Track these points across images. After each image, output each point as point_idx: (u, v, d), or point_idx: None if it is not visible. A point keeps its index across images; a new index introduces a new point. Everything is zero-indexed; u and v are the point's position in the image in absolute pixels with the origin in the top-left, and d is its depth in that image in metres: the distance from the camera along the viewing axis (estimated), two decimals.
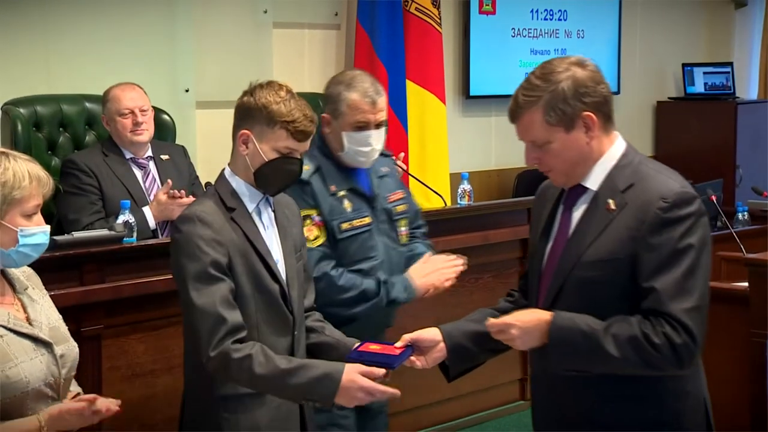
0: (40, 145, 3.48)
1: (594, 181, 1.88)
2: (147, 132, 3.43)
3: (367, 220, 2.65)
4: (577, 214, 1.90)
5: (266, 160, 2.16)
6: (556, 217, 1.95)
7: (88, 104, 3.80)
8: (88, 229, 3.15)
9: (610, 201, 1.84)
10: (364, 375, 1.99)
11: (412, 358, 2.04)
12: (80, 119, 3.76)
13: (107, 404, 2.08)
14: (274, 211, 2.22)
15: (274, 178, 2.19)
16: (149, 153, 3.46)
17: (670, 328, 1.75)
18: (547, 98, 1.85)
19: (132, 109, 3.37)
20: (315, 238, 2.62)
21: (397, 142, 4.65)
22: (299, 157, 2.19)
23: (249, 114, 2.16)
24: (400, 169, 3.05)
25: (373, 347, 2.08)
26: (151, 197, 3.47)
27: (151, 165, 3.58)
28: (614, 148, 1.94)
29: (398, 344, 2.06)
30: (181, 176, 3.57)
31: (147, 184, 3.54)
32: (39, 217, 2.07)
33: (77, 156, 3.50)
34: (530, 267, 2.02)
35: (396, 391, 2.02)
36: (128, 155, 3.48)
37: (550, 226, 1.96)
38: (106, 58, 4.19)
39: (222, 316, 2.09)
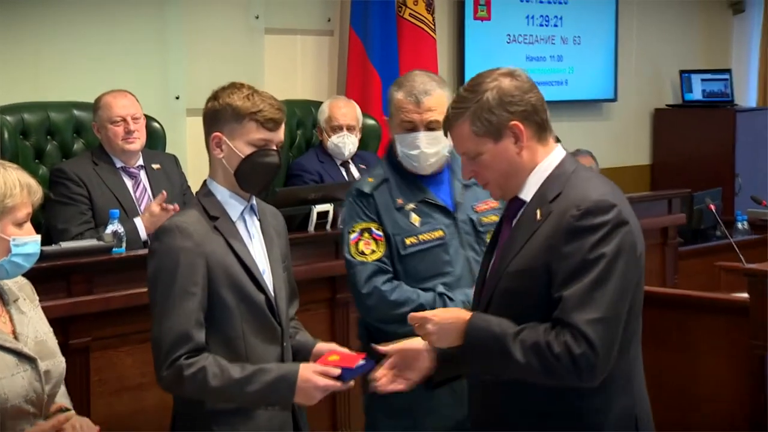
0: (27, 154, 3.50)
1: (528, 192, 1.92)
2: (139, 140, 3.45)
3: (439, 233, 2.59)
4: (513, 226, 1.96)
5: (242, 156, 2.18)
6: (501, 231, 2.00)
7: (76, 112, 3.82)
8: (77, 239, 3.16)
9: (538, 211, 1.88)
10: (320, 374, 2.05)
11: (379, 374, 2.04)
12: (68, 127, 3.80)
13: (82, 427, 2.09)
14: (260, 221, 2.24)
15: (255, 174, 2.21)
16: (140, 162, 3.48)
17: (571, 337, 1.77)
18: (473, 109, 1.90)
19: (124, 116, 3.39)
20: (371, 252, 2.61)
21: None
22: (276, 148, 2.22)
23: (215, 117, 2.21)
24: None
25: (333, 358, 2.13)
26: (142, 207, 3.48)
27: (142, 174, 3.58)
28: (550, 158, 1.97)
29: (384, 352, 2.05)
30: (173, 186, 3.58)
31: (138, 193, 3.54)
32: (30, 227, 2.08)
33: (66, 165, 3.51)
34: (476, 281, 2.07)
35: (350, 384, 2.08)
36: (119, 164, 3.49)
37: (495, 240, 2.01)
38: (96, 64, 4.21)
39: (187, 335, 2.13)
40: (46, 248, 2.76)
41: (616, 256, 1.83)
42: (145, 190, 3.59)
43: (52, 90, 4.07)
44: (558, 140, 2.06)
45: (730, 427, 2.94)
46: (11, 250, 2.05)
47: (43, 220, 3.43)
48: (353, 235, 2.56)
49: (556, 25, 5.81)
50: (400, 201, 2.51)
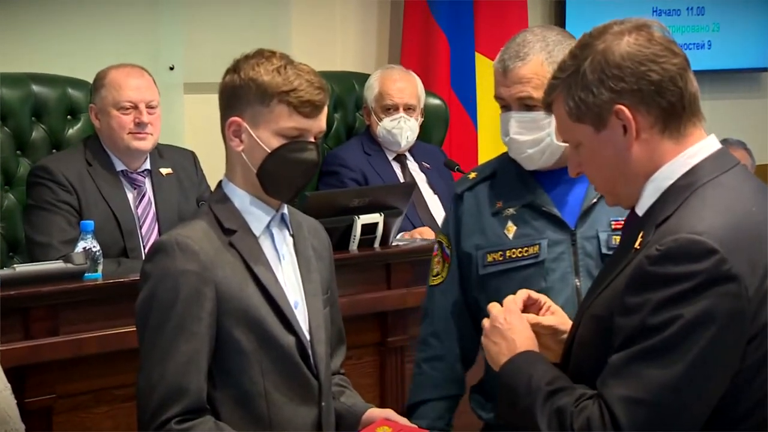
0: None
1: (643, 205, 1.95)
2: (151, 137, 3.58)
3: (534, 250, 2.63)
4: None
5: (268, 150, 2.20)
6: None
7: (35, 86, 4.00)
8: (61, 259, 3.24)
9: (639, 237, 1.91)
10: None
11: None
12: (24, 106, 4.00)
13: None
14: (293, 236, 2.26)
15: (285, 175, 2.23)
16: (146, 165, 3.58)
17: (598, 414, 1.84)
18: (568, 82, 1.94)
19: (136, 102, 3.50)
20: (436, 275, 2.73)
21: (461, 134, 4.78)
22: (314, 140, 2.22)
23: (234, 95, 2.24)
24: None
25: (383, 431, 2.17)
26: (145, 228, 3.56)
27: (147, 183, 3.70)
28: (681, 158, 1.96)
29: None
30: (187, 199, 3.67)
31: (140, 209, 3.67)
32: None
33: (52, 162, 3.65)
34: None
35: None
36: (119, 166, 3.61)
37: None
38: (65, 25, 4.40)
39: (182, 388, 2.17)
40: None
41: (697, 325, 1.82)
42: (150, 204, 3.70)
43: (6, 59, 4.23)
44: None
45: None
46: None
47: (24, 233, 3.69)
48: (435, 246, 2.70)
49: None
50: (499, 204, 2.54)
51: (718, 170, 1.94)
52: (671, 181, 1.93)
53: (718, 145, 1.99)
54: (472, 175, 2.62)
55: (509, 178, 2.59)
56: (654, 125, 1.92)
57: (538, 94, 2.55)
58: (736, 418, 1.94)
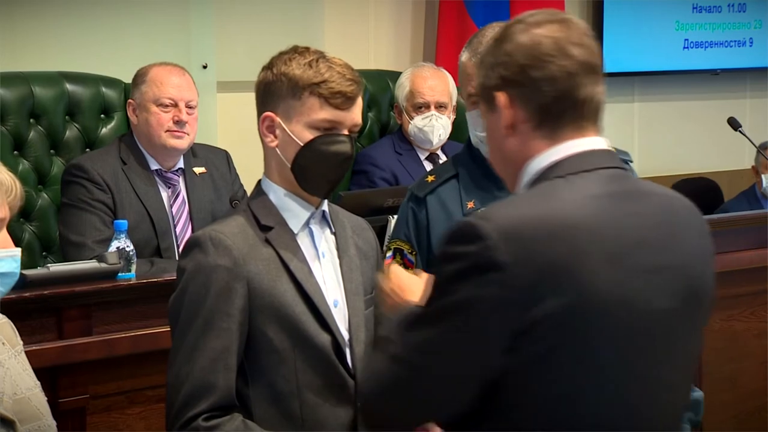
0: (2, 143, 3.79)
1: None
2: (188, 137, 3.64)
3: None
4: None
5: (301, 144, 2.24)
6: None
7: (74, 87, 4.15)
8: (95, 259, 3.31)
9: None
10: None
11: None
12: (58, 105, 4.11)
13: None
14: (334, 234, 2.29)
15: (318, 168, 2.25)
16: (180, 164, 3.64)
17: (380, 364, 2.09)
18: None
19: (176, 100, 3.58)
20: None
21: None
22: (348, 132, 2.25)
23: (268, 91, 2.28)
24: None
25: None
26: (179, 227, 3.60)
27: (181, 182, 3.78)
28: (549, 154, 2.01)
29: None
30: (220, 198, 3.71)
31: (175, 208, 3.73)
32: (5, 237, 2.19)
33: (88, 161, 3.71)
34: None
35: None
36: (153, 165, 3.69)
37: None
38: (97, 24, 4.47)
39: (211, 385, 2.20)
40: (29, 272, 2.89)
41: (457, 303, 1.92)
42: (184, 203, 3.77)
43: (33, 59, 4.32)
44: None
45: None
46: None
47: (58, 232, 3.75)
48: (388, 254, 2.70)
49: None
50: (471, 204, 2.57)
51: (573, 170, 2.00)
52: (534, 176, 2.01)
53: (592, 147, 2.03)
54: (431, 178, 2.63)
55: (476, 177, 2.64)
56: (528, 120, 1.99)
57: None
58: (523, 414, 2.00)
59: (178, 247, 3.71)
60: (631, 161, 3.12)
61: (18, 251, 2.23)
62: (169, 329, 2.83)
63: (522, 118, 1.98)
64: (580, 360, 1.99)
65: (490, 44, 2.07)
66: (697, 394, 3.11)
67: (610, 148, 2.12)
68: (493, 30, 2.77)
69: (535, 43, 2.00)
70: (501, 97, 1.99)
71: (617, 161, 2.14)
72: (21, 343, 2.37)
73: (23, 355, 2.34)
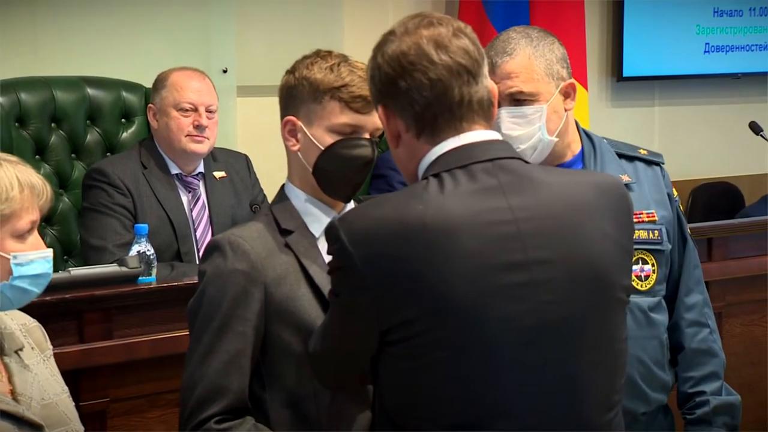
0: (24, 147, 3.76)
1: None
2: (208, 142, 3.69)
3: None
4: None
5: (322, 148, 2.25)
6: None
7: (95, 91, 4.25)
8: (115, 263, 3.35)
9: None
10: None
11: None
12: (79, 109, 4.15)
13: None
14: None
15: (339, 172, 2.27)
16: (200, 168, 3.68)
17: None
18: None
19: (196, 105, 3.62)
20: None
21: None
22: (369, 137, 2.27)
23: (290, 96, 2.30)
24: None
25: None
26: (199, 231, 3.64)
27: (201, 186, 3.84)
28: (427, 157, 2.07)
29: None
30: (240, 204, 3.75)
31: (195, 212, 3.79)
32: (36, 239, 2.22)
33: (109, 165, 3.77)
34: None
35: None
36: (174, 169, 3.73)
37: None
38: (118, 28, 4.52)
39: (223, 387, 2.24)
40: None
41: (334, 295, 2.07)
42: (204, 208, 3.82)
43: (56, 63, 4.39)
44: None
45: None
46: (12, 272, 2.18)
47: (79, 237, 3.81)
48: None
49: None
50: None
51: (447, 167, 2.06)
52: (420, 178, 2.10)
53: (470, 141, 2.08)
54: None
55: None
56: (408, 129, 2.05)
57: (527, 88, 2.76)
58: (409, 419, 2.12)
59: (198, 251, 3.72)
60: (663, 163, 3.15)
61: (50, 252, 2.25)
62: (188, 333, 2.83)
63: (403, 128, 2.04)
64: (441, 361, 2.05)
65: (372, 56, 2.12)
66: (733, 398, 3.12)
67: (494, 139, 2.15)
68: (533, 36, 2.86)
69: (401, 53, 2.05)
70: (380, 110, 2.07)
71: (504, 152, 2.15)
72: (50, 348, 2.38)
73: (52, 360, 2.35)
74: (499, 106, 2.67)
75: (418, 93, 2.04)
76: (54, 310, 2.86)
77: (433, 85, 2.05)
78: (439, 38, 2.08)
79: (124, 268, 3.16)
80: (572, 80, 3.01)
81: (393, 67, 2.07)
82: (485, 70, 2.17)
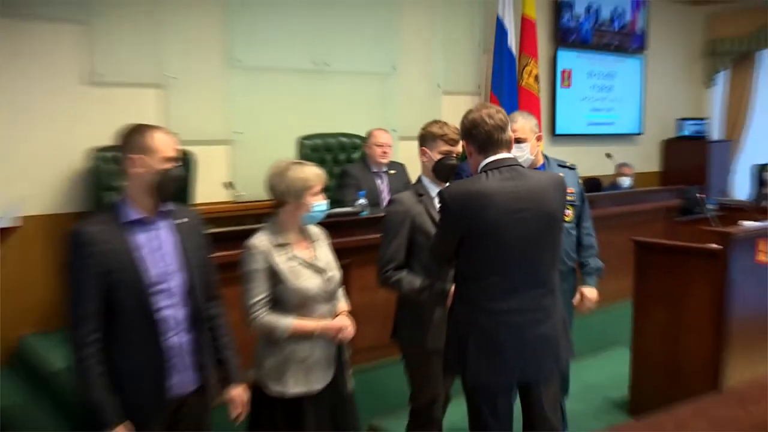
0: (313, 161, 4.04)
1: None
2: (387, 155, 5.61)
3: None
4: None
5: (435, 160, 3.33)
6: None
7: (342, 139, 6.55)
8: (347, 206, 5.21)
9: None
10: None
11: None
12: (338, 148, 6.49)
13: (341, 335, 3.21)
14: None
15: (444, 170, 3.38)
16: (384, 168, 5.78)
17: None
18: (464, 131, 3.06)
19: (382, 144, 5.70)
20: None
21: None
22: (456, 155, 3.26)
23: (423, 137, 3.42)
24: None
25: None
26: (385, 195, 5.63)
27: (384, 176, 5.85)
28: (483, 161, 2.83)
29: None
30: (399, 185, 5.61)
31: (382, 188, 5.80)
32: (321, 197, 3.16)
33: (351, 168, 5.90)
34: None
35: None
36: (374, 168, 5.84)
37: None
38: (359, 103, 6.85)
39: (393, 257, 3.37)
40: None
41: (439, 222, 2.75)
42: (386, 187, 5.78)
43: (336, 126, 6.65)
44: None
45: (706, 311, 4.66)
46: (312, 210, 3.13)
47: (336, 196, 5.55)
48: None
49: (609, 90, 10.00)
50: None
51: (488, 169, 2.90)
52: (479, 171, 2.91)
53: (500, 157, 2.91)
54: None
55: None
56: (474, 151, 2.99)
57: (522, 136, 3.71)
58: (469, 273, 2.98)
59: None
60: (576, 168, 4.22)
61: (326, 202, 3.15)
62: (378, 235, 3.78)
63: (473, 150, 2.96)
64: (483, 248, 2.91)
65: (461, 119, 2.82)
66: (600, 263, 4.27)
67: (510, 156, 3.00)
68: (523, 114, 3.85)
69: (473, 118, 2.96)
70: (464, 142, 3.01)
71: (514, 162, 3.01)
72: (327, 239, 3.23)
73: (329, 244, 3.19)
74: (518, 142, 3.54)
75: (479, 136, 2.89)
76: (329, 224, 3.63)
77: (486, 133, 2.91)
78: (489, 114, 2.96)
79: (355, 209, 4.97)
80: (540, 133, 4.04)
81: (469, 124, 2.95)
82: (509, 128, 3.04)
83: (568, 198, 3.84)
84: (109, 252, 2.84)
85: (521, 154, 3.81)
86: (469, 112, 3.09)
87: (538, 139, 4.03)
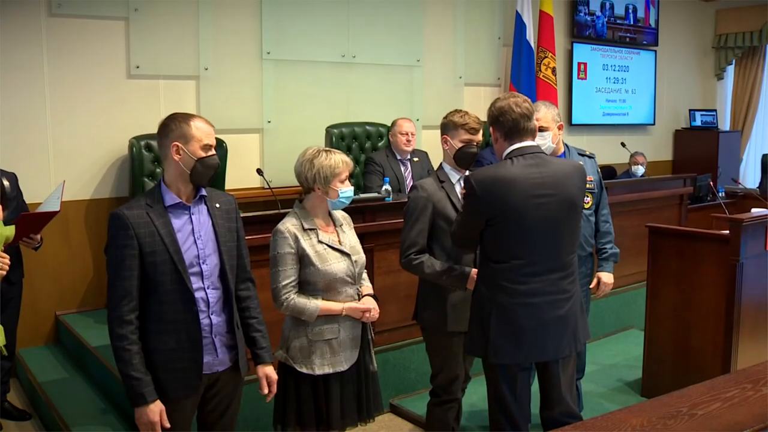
0: (340, 149, 4.99)
1: None
2: (411, 144, 5.62)
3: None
4: None
5: (456, 148, 3.30)
6: None
7: (368, 128, 6.48)
8: (378, 192, 5.19)
9: None
10: None
11: None
12: (364, 137, 6.45)
13: (366, 315, 3.17)
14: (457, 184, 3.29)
15: (465, 158, 3.36)
16: (408, 157, 5.80)
17: None
18: (491, 118, 3.03)
19: (406, 132, 5.68)
20: None
21: None
22: (476, 143, 3.24)
23: (445, 126, 3.38)
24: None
25: None
26: (408, 182, 5.60)
27: (409, 163, 5.81)
28: (506, 150, 2.84)
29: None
30: (423, 172, 5.57)
31: (405, 174, 5.76)
32: (348, 183, 3.12)
33: (375, 155, 5.86)
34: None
35: None
36: (399, 156, 5.81)
37: None
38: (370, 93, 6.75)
39: (416, 242, 3.28)
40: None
41: (464, 206, 2.83)
42: (410, 174, 5.75)
43: (361, 114, 6.65)
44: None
45: (717, 295, 4.61)
46: (339, 196, 3.09)
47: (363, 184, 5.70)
48: None
49: (623, 82, 10.00)
50: None
51: (514, 155, 2.91)
52: (504, 158, 2.90)
53: (525, 145, 2.90)
54: None
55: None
56: (500, 137, 2.99)
57: (545, 125, 3.75)
58: (493, 256, 2.95)
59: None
60: (594, 156, 4.15)
61: (352, 189, 3.11)
62: (400, 220, 3.70)
63: (499, 137, 2.96)
64: (507, 232, 2.91)
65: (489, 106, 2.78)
66: (617, 250, 4.14)
67: (534, 144, 2.99)
68: (545, 103, 3.84)
69: (500, 106, 2.95)
70: (491, 129, 2.97)
71: (537, 150, 3.00)
72: (352, 224, 3.18)
73: (353, 229, 3.17)
74: (541, 130, 3.64)
75: (506, 123, 2.87)
76: (354, 210, 3.84)
77: (512, 121, 2.89)
78: (516, 102, 2.96)
79: (379, 194, 4.94)
80: (561, 122, 4.04)
81: (497, 112, 2.91)
82: (534, 117, 3.04)
83: (588, 186, 3.88)
84: (148, 234, 2.84)
85: (543, 142, 3.85)
86: (497, 100, 3.10)
87: (560, 128, 4.04)
